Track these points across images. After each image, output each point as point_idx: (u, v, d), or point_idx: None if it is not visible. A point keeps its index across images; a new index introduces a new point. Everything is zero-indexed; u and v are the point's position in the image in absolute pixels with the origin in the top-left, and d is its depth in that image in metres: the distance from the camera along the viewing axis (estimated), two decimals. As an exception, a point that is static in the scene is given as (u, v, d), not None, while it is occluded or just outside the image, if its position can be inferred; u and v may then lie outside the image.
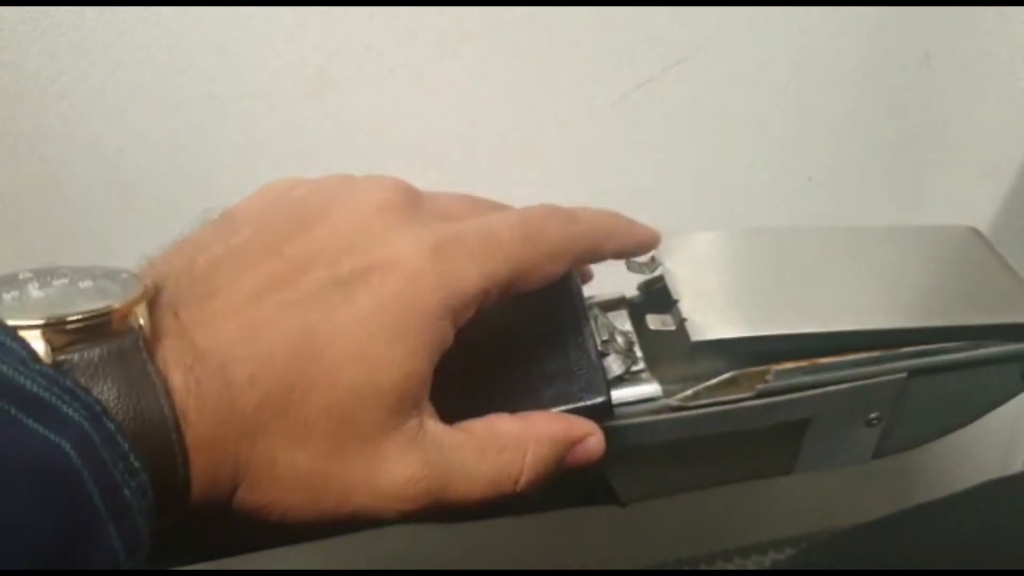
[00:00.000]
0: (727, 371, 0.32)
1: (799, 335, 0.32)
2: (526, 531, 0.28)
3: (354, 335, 0.23)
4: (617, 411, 0.31)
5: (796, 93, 0.47)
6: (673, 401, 0.32)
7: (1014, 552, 0.38)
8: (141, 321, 0.22)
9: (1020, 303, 0.35)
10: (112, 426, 0.20)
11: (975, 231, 0.39)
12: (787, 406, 0.33)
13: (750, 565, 0.66)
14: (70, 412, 0.19)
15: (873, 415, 0.35)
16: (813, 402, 0.33)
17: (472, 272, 0.25)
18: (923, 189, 0.52)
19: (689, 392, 0.32)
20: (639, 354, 0.34)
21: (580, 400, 0.29)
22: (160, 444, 0.21)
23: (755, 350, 0.32)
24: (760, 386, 0.32)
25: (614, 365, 0.32)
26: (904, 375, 0.34)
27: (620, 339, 0.33)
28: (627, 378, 0.32)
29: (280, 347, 0.23)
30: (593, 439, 0.28)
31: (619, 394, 0.32)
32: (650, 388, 0.32)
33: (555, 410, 0.29)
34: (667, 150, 0.47)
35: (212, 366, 0.22)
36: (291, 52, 0.40)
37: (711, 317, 0.32)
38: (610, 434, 0.31)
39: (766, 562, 0.66)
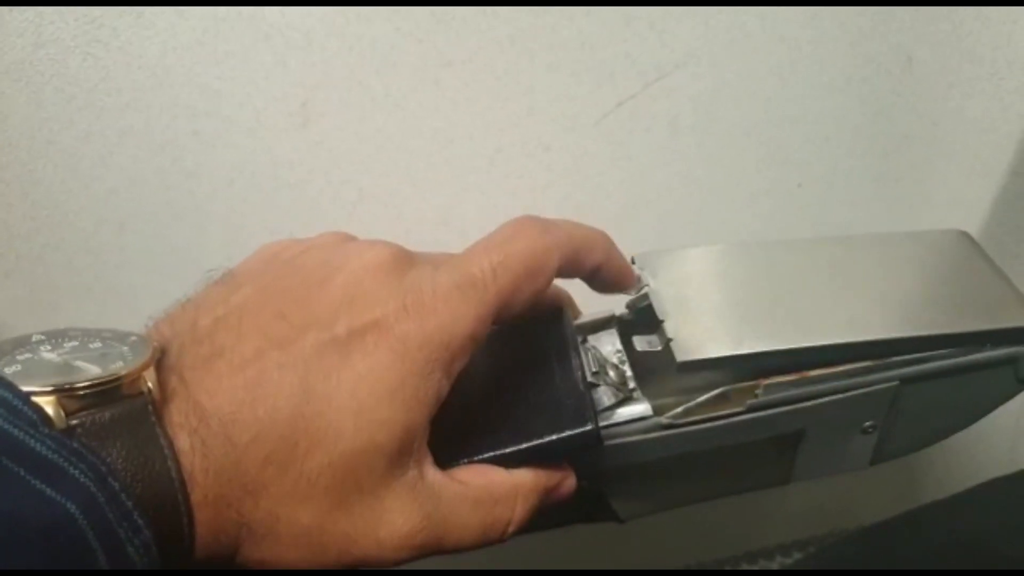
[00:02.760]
0: (717, 387, 0.32)
1: (786, 351, 0.32)
2: (528, 541, 0.28)
3: (352, 394, 0.24)
4: (609, 431, 0.32)
5: (780, 102, 0.47)
6: (664, 419, 0.32)
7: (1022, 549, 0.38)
8: (150, 384, 0.23)
9: (1010, 307, 0.35)
10: (116, 485, 0.21)
11: (964, 235, 0.39)
12: (779, 419, 0.33)
13: (757, 569, 0.66)
14: (76, 474, 0.20)
15: (868, 423, 0.35)
16: (805, 414, 0.33)
17: (455, 322, 0.26)
18: (913, 191, 0.52)
19: (680, 410, 0.32)
20: (629, 373, 0.34)
21: (568, 430, 0.29)
22: (166, 503, 0.22)
23: (742, 367, 0.32)
24: (751, 401, 0.32)
25: (605, 397, 0.32)
26: (896, 383, 0.34)
27: (612, 372, 0.33)
28: (618, 400, 0.33)
29: (282, 407, 0.24)
30: (566, 482, 0.30)
31: (610, 415, 0.32)
32: (640, 407, 0.32)
33: (544, 440, 0.29)
34: (653, 166, 0.47)
35: (217, 427, 0.23)
36: (273, 87, 0.40)
37: (697, 336, 0.32)
38: (604, 453, 0.32)
39: (774, 567, 0.66)
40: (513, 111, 0.43)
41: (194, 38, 0.38)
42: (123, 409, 0.22)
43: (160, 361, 0.24)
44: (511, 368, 0.32)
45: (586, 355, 0.33)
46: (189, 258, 0.46)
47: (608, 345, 0.35)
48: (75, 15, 0.37)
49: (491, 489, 0.28)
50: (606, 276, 0.32)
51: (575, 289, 0.35)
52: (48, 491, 0.19)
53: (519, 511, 0.28)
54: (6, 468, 0.19)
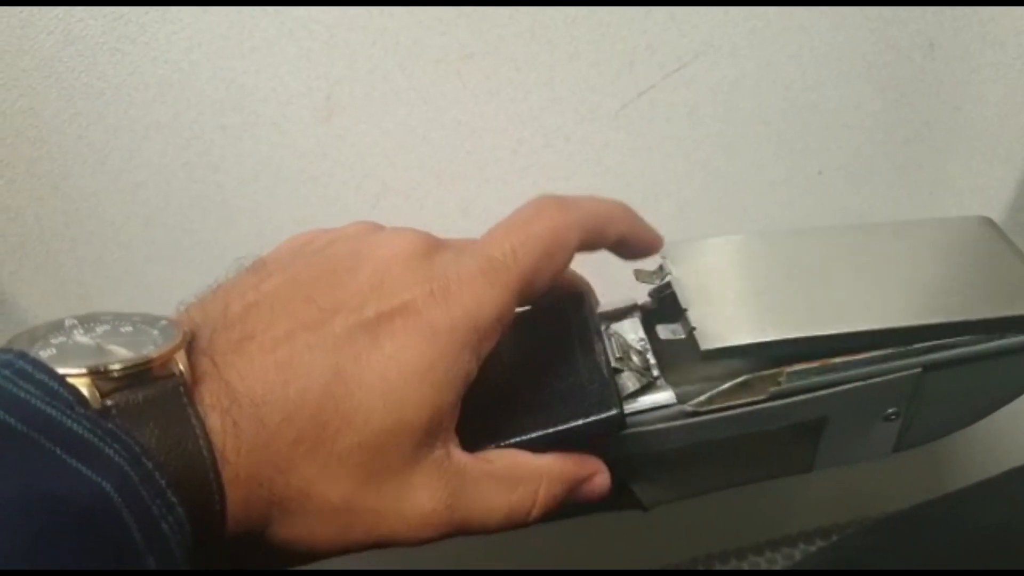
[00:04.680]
0: (740, 375, 0.33)
1: (809, 338, 0.32)
2: (545, 531, 0.29)
3: (382, 375, 0.25)
4: (633, 419, 0.32)
5: (800, 90, 0.47)
6: (688, 407, 0.32)
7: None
8: (181, 367, 0.23)
9: None
10: (150, 464, 0.21)
11: (988, 221, 0.39)
12: (801, 406, 0.33)
13: (780, 559, 0.66)
14: (111, 453, 0.20)
15: (891, 410, 0.35)
16: (827, 401, 0.34)
17: (481, 306, 0.26)
18: (936, 178, 0.52)
19: (703, 397, 0.32)
20: (652, 360, 0.34)
21: (592, 415, 0.29)
22: (199, 481, 0.22)
23: (765, 355, 0.33)
24: (773, 388, 0.32)
25: (629, 382, 0.32)
26: (919, 371, 0.34)
27: (636, 358, 0.33)
28: (642, 385, 0.33)
29: (312, 387, 0.24)
30: (599, 477, 0.30)
31: (634, 403, 0.32)
32: (664, 395, 0.32)
33: (568, 425, 0.29)
34: (674, 155, 0.47)
35: (248, 408, 0.24)
36: (297, 81, 0.41)
37: (720, 324, 0.32)
38: (628, 441, 0.32)
39: (796, 555, 0.66)
40: (534, 102, 0.44)
41: (219, 33, 0.39)
42: (155, 391, 0.22)
43: (191, 345, 0.24)
44: (535, 354, 0.32)
45: (609, 341, 0.33)
46: (216, 251, 0.47)
47: (631, 333, 0.35)
48: (103, 12, 0.37)
49: (516, 471, 0.28)
50: (633, 244, 0.32)
51: (595, 279, 0.35)
52: (84, 470, 0.20)
53: (543, 495, 0.28)
54: (43, 448, 0.19)
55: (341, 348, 0.25)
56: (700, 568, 0.68)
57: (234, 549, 0.24)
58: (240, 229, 0.46)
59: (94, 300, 0.47)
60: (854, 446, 0.36)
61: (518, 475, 0.28)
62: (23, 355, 0.21)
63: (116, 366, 0.22)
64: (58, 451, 0.20)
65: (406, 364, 0.25)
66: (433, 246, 0.28)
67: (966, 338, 0.34)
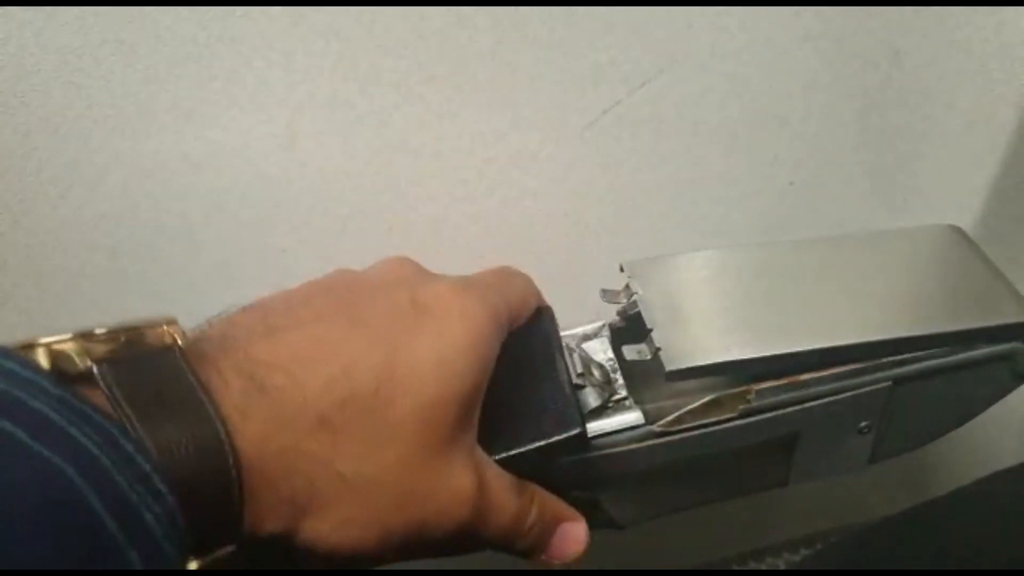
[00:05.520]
0: (709, 393, 0.32)
1: (776, 356, 0.32)
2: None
3: (432, 346, 0.25)
4: (602, 440, 0.32)
5: (767, 102, 0.47)
6: (656, 427, 0.32)
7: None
8: (177, 338, 0.22)
9: (1003, 303, 0.34)
10: (130, 447, 0.19)
11: (957, 229, 0.38)
12: (772, 423, 0.33)
13: (764, 568, 0.66)
14: (76, 434, 0.18)
15: (863, 424, 0.35)
16: (799, 417, 0.33)
17: (497, 304, 0.28)
18: (907, 186, 0.52)
19: (671, 417, 0.32)
20: (620, 381, 0.34)
21: (554, 435, 0.29)
22: (205, 466, 0.20)
23: (733, 373, 0.32)
24: (743, 406, 0.32)
25: (591, 398, 0.32)
26: (889, 384, 0.33)
27: (596, 372, 0.33)
28: (610, 407, 0.33)
29: (361, 356, 0.24)
30: (576, 530, 0.31)
31: (602, 424, 0.32)
32: (632, 416, 0.32)
33: (532, 447, 0.29)
34: (642, 171, 0.47)
35: (280, 379, 0.22)
36: (258, 109, 0.40)
37: (686, 343, 0.32)
38: (598, 462, 0.32)
39: (780, 564, 0.66)
40: (499, 123, 0.43)
41: (176, 63, 0.38)
42: (147, 357, 0.20)
43: (220, 342, 0.23)
44: (497, 373, 0.32)
45: (570, 356, 0.33)
46: (184, 281, 0.46)
47: (600, 353, 0.35)
48: (56, 46, 0.37)
49: (515, 479, 0.29)
50: None
51: (564, 298, 0.35)
52: (45, 452, 0.17)
53: (534, 512, 0.29)
54: (4, 431, 0.17)
55: (387, 321, 0.25)
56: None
57: (253, 553, 0.22)
58: (207, 258, 0.46)
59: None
60: (829, 460, 0.36)
61: (520, 483, 0.29)
62: None
63: (102, 330, 0.20)
64: (20, 434, 0.17)
65: (452, 338, 0.25)
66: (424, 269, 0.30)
67: (936, 350, 0.33)
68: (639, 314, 0.34)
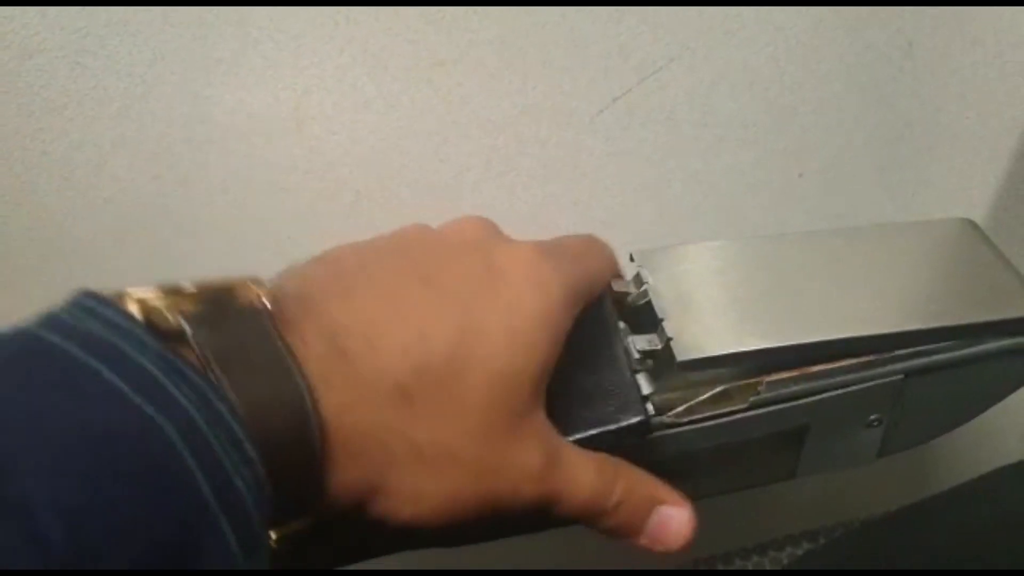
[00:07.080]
0: (720, 384, 0.32)
1: (787, 347, 0.32)
2: (544, 532, 0.28)
3: (505, 317, 0.24)
4: None
5: (778, 92, 0.46)
6: (667, 418, 0.32)
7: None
8: (264, 300, 0.21)
9: (1016, 297, 0.34)
10: (223, 408, 0.18)
11: (970, 223, 0.38)
12: (782, 415, 0.33)
13: (767, 562, 0.66)
14: (175, 393, 0.18)
15: (873, 417, 0.35)
16: (808, 409, 0.33)
17: (576, 276, 0.27)
18: (917, 179, 0.52)
19: (682, 408, 0.32)
20: None
21: (617, 421, 0.29)
22: (290, 429, 0.20)
23: (744, 365, 0.32)
24: (753, 397, 0.32)
25: (644, 383, 0.31)
26: (901, 377, 0.33)
27: (649, 360, 0.32)
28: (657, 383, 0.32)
29: (433, 324, 0.23)
30: (682, 513, 0.30)
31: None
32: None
33: (594, 432, 0.28)
34: (650, 160, 0.47)
35: (359, 344, 0.22)
36: (264, 92, 0.40)
37: (697, 334, 0.32)
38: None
39: (783, 558, 0.66)
40: (508, 109, 0.43)
41: (182, 45, 0.38)
42: (236, 317, 0.20)
43: (300, 303, 0.22)
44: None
45: (625, 339, 0.32)
46: (189, 266, 0.46)
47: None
48: (61, 25, 0.36)
49: (596, 455, 0.27)
50: None
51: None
52: (147, 408, 0.17)
53: (619, 490, 0.27)
54: (104, 380, 0.17)
55: (459, 290, 0.24)
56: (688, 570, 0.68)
57: (323, 528, 0.21)
58: (212, 243, 0.45)
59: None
60: (837, 453, 0.36)
61: (600, 458, 0.27)
62: (89, 293, 0.19)
63: (191, 287, 0.20)
64: (124, 387, 0.17)
65: (526, 309, 0.25)
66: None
67: (948, 343, 0.33)
68: (649, 304, 0.34)
